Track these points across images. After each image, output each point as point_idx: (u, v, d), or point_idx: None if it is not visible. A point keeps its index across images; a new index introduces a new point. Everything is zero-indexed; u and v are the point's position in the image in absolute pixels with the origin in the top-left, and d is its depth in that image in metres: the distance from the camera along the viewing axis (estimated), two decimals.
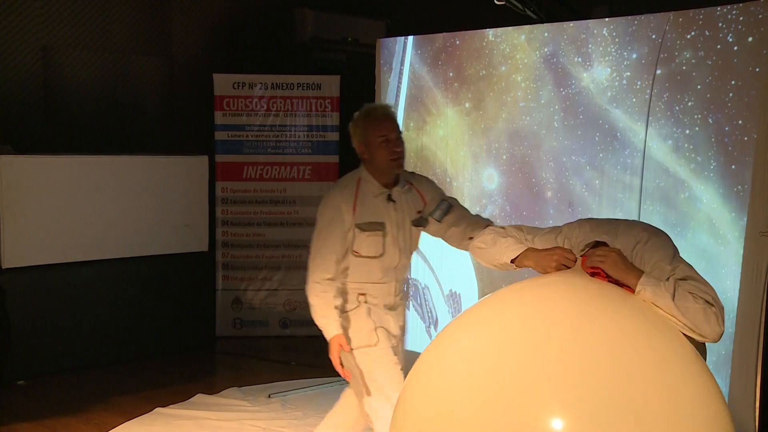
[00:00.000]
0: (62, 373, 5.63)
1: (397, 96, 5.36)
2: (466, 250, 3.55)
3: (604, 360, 2.04)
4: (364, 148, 3.32)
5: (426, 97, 5.22)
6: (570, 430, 1.94)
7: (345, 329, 3.28)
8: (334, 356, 3.23)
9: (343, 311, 3.32)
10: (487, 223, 3.40)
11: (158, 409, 4.90)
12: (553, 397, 1.99)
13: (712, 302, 2.28)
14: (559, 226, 2.70)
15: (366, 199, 3.30)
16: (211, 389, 5.34)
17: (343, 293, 3.33)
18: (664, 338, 2.20)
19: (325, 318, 3.23)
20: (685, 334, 2.28)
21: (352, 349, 3.28)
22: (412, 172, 3.61)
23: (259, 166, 6.81)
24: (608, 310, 2.23)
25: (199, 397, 5.13)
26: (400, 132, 3.34)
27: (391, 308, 3.42)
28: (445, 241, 3.54)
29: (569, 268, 2.48)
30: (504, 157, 4.81)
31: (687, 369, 2.15)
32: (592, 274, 2.40)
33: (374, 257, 3.30)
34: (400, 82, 5.33)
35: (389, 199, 3.33)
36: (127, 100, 6.63)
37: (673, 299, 2.24)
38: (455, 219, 3.47)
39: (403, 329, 3.56)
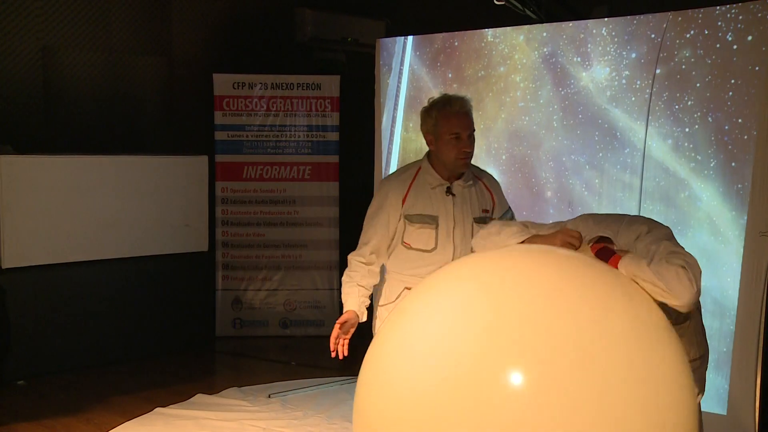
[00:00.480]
0: (62, 373, 5.63)
1: (397, 96, 5.37)
2: None
3: (572, 322, 2.05)
4: (432, 138, 3.16)
5: (425, 98, 5.20)
6: (531, 388, 1.95)
7: (380, 322, 3.21)
8: (341, 321, 3.11)
9: (382, 304, 3.24)
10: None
11: (158, 409, 4.89)
12: (518, 357, 2.00)
13: (686, 266, 2.29)
14: (562, 221, 2.71)
15: (422, 190, 3.16)
16: (211, 389, 5.34)
17: (389, 284, 3.23)
18: (636, 304, 2.21)
19: (346, 294, 3.16)
20: (663, 306, 2.29)
21: None
22: (485, 171, 3.42)
23: (259, 166, 6.81)
24: (585, 276, 2.23)
25: (199, 397, 5.13)
26: (473, 130, 3.15)
27: None
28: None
29: (576, 248, 2.49)
30: (503, 157, 4.81)
31: (655, 336, 2.15)
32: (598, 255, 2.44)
33: (426, 251, 3.14)
34: (399, 82, 5.33)
35: (448, 192, 3.15)
36: (127, 100, 6.63)
37: (649, 265, 2.28)
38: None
39: None
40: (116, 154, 6.11)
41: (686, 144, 4.00)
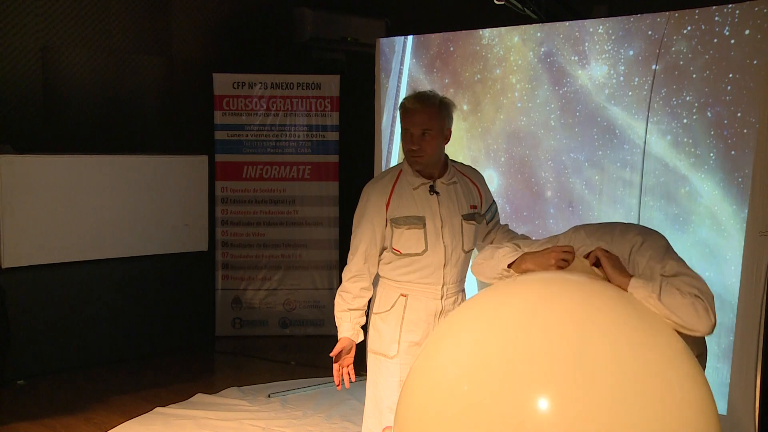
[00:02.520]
0: (62, 373, 5.63)
1: (397, 95, 5.36)
2: None
3: (599, 356, 2.05)
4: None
5: None
6: (559, 421, 1.96)
7: (373, 331, 3.13)
8: (335, 354, 3.05)
9: (377, 311, 3.14)
10: (513, 235, 3.24)
11: (158, 409, 4.90)
12: (546, 388, 2.01)
13: (700, 295, 2.28)
14: (555, 236, 2.70)
15: (404, 192, 3.05)
16: (211, 389, 5.34)
17: (384, 291, 3.14)
18: (656, 334, 2.21)
19: (339, 319, 3.07)
20: (679, 332, 2.28)
21: (371, 352, 3.15)
22: (471, 167, 3.33)
23: (258, 166, 6.81)
24: (605, 306, 2.23)
25: (199, 397, 5.13)
26: (427, 128, 2.98)
27: (436, 316, 3.09)
28: (479, 245, 3.26)
29: (569, 263, 2.49)
30: (503, 158, 4.81)
31: (677, 367, 2.15)
32: (595, 265, 2.44)
33: (417, 254, 3.03)
34: (399, 82, 5.33)
35: (432, 190, 3.05)
36: (126, 100, 6.63)
37: (660, 299, 2.26)
38: (494, 224, 3.29)
39: None
40: (116, 154, 6.11)
41: (686, 139, 4.00)
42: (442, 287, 3.08)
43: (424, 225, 3.01)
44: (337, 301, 3.09)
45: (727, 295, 3.87)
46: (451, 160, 3.22)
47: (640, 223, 4.15)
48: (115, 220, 5.94)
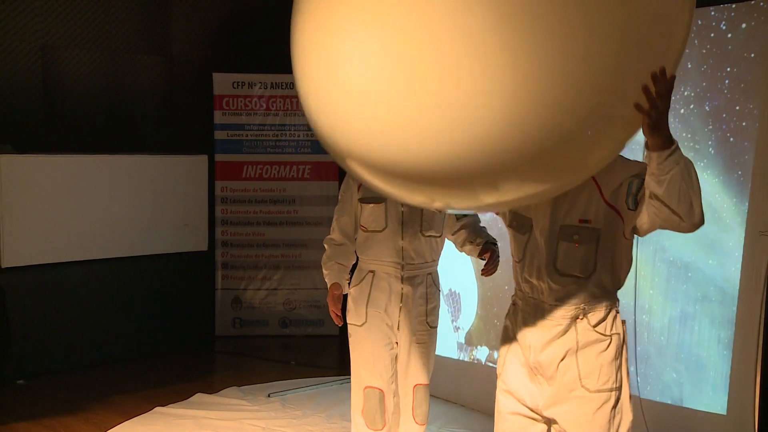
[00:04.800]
0: (62, 373, 5.63)
1: None
2: (464, 253, 3.62)
3: None
4: None
5: None
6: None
7: (349, 303, 3.50)
8: (329, 301, 3.46)
9: (351, 286, 3.50)
10: (488, 239, 3.46)
11: (158, 409, 4.90)
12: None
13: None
14: None
15: None
16: (211, 389, 5.34)
17: (358, 268, 3.51)
18: None
19: (325, 269, 3.51)
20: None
21: (348, 323, 3.52)
22: None
23: (258, 166, 6.81)
24: None
25: (199, 397, 5.14)
26: None
27: (399, 297, 3.41)
28: (451, 239, 3.57)
29: None
30: None
31: None
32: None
33: (378, 231, 3.39)
34: None
35: None
36: (126, 100, 6.63)
37: (689, 172, 2.13)
38: (469, 222, 3.52)
39: (425, 326, 3.52)
40: (116, 154, 6.11)
41: (684, 133, 4.01)
42: (402, 267, 3.40)
43: (386, 204, 3.36)
44: (324, 260, 3.54)
45: (729, 287, 3.88)
46: None
47: None
48: (115, 220, 5.94)
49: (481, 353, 4.90)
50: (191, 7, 6.92)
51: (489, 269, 3.42)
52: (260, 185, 6.81)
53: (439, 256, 3.54)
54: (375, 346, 3.41)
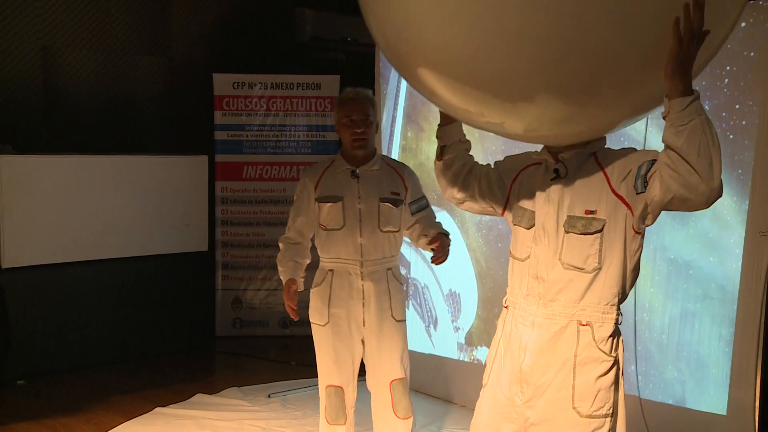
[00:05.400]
0: (62, 373, 5.63)
1: (397, 96, 5.36)
2: (420, 247, 3.68)
3: None
4: (337, 127, 3.54)
5: (419, 114, 5.22)
6: None
7: (311, 302, 3.56)
8: (285, 296, 3.45)
9: (313, 287, 3.55)
10: (441, 230, 3.53)
11: (158, 409, 4.90)
12: None
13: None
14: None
15: (332, 175, 3.52)
16: (211, 389, 5.34)
17: (319, 268, 3.56)
18: None
19: (281, 266, 3.55)
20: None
21: (310, 322, 3.56)
22: (403, 164, 3.75)
23: (258, 166, 6.81)
24: None
25: (199, 397, 5.13)
26: (368, 116, 3.45)
27: (359, 293, 3.47)
28: (406, 234, 3.63)
29: None
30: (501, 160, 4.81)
31: None
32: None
33: (336, 229, 3.46)
34: (399, 82, 5.33)
35: (353, 174, 3.49)
36: (126, 100, 6.63)
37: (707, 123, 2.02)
38: (424, 217, 3.59)
39: (381, 318, 3.51)
40: (116, 154, 6.11)
41: None
42: (361, 264, 3.46)
43: (343, 202, 3.44)
44: (279, 259, 3.56)
45: (730, 286, 3.88)
46: (382, 155, 3.79)
47: None
48: (115, 220, 5.94)
49: (482, 353, 4.90)
50: (191, 7, 6.92)
51: (438, 257, 3.43)
52: (260, 186, 6.81)
53: (398, 251, 3.60)
54: (337, 345, 3.48)
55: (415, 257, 5.27)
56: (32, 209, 5.52)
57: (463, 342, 5.02)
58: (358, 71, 6.72)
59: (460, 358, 5.04)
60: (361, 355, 3.55)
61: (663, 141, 2.08)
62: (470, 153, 2.72)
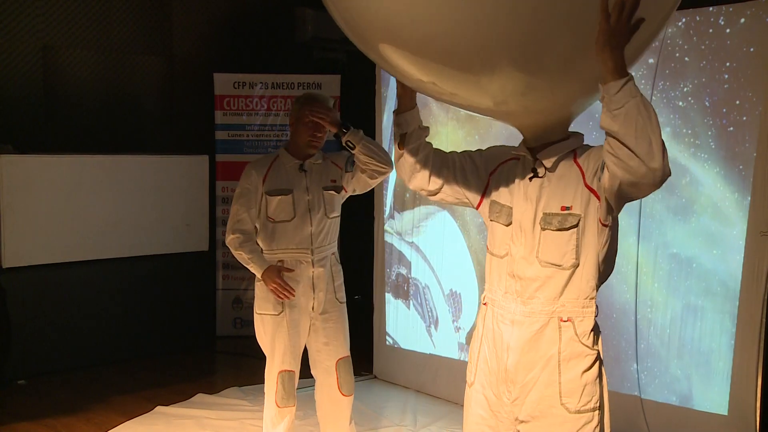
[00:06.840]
0: (62, 373, 5.63)
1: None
2: (360, 167, 3.64)
3: None
4: (294, 122, 3.74)
5: (426, 98, 5.21)
6: None
7: (259, 295, 3.69)
8: (273, 282, 3.54)
9: (259, 280, 3.66)
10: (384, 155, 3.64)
11: (159, 409, 4.89)
12: None
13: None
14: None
15: (279, 169, 3.69)
16: (212, 389, 5.34)
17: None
18: None
19: (248, 254, 3.62)
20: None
21: (258, 313, 3.70)
22: (337, 153, 3.92)
23: None
24: None
25: (200, 397, 5.13)
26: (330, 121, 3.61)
27: (310, 280, 3.63)
28: (356, 186, 3.74)
29: None
30: None
31: None
32: None
33: (287, 221, 3.61)
34: None
35: (301, 168, 3.69)
36: (127, 100, 6.63)
37: (644, 104, 1.96)
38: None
39: (332, 305, 3.72)
40: (117, 154, 6.11)
41: (685, 130, 4.00)
42: (312, 252, 3.64)
43: (293, 195, 3.61)
44: (244, 254, 3.63)
45: (731, 282, 3.87)
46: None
47: (641, 217, 4.14)
48: (115, 220, 5.94)
49: None
50: (192, 7, 6.92)
51: (322, 117, 3.61)
52: None
53: (337, 235, 3.80)
54: (291, 331, 3.62)
55: (415, 257, 5.26)
56: (32, 209, 5.52)
57: (464, 342, 5.01)
58: (358, 71, 6.73)
59: (461, 358, 5.02)
60: (306, 338, 3.71)
61: (600, 127, 2.04)
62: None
